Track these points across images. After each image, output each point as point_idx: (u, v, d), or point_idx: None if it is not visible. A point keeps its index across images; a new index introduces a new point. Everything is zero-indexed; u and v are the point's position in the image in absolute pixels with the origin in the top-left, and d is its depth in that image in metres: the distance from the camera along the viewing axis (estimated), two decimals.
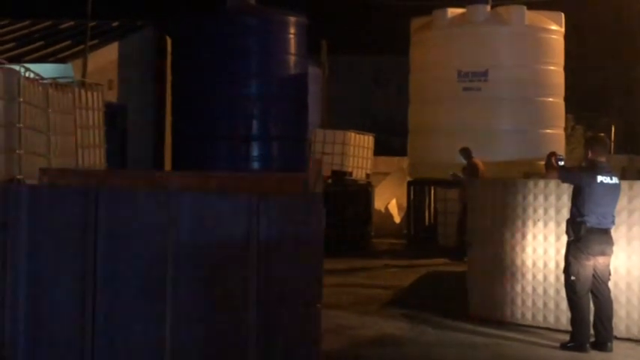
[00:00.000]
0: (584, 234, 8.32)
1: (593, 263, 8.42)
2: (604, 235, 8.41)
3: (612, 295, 8.65)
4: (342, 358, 8.14)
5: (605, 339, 8.47)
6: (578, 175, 8.64)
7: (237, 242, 5.79)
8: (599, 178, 8.34)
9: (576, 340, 8.48)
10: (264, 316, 5.75)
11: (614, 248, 8.56)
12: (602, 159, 8.57)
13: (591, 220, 8.31)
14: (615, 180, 8.46)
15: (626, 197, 8.83)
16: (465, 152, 15.44)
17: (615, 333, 8.72)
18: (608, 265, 8.54)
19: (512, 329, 9.32)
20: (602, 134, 9.08)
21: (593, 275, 8.46)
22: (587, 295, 8.48)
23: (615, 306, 8.71)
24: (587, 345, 8.41)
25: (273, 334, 5.74)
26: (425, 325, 9.54)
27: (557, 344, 8.65)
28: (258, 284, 5.76)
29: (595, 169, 8.44)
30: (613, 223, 8.46)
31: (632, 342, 8.77)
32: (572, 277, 8.44)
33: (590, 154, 8.60)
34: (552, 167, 8.90)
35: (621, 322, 8.87)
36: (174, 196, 5.97)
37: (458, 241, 14.91)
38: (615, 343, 8.59)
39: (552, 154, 10.28)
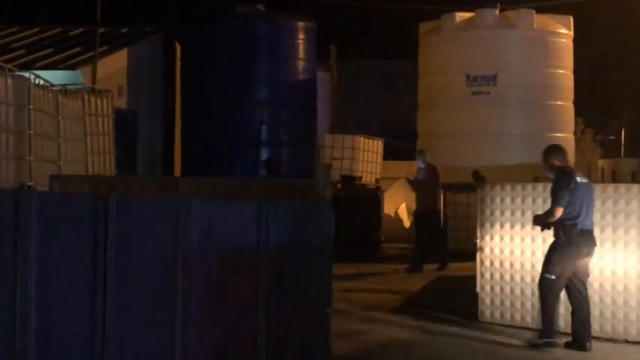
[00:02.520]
0: (576, 236, 8.42)
1: (577, 264, 8.57)
2: (590, 236, 8.59)
3: (610, 297, 8.86)
4: None
5: (586, 339, 8.57)
6: (564, 188, 8.48)
7: (247, 248, 5.80)
8: (579, 180, 8.53)
9: (547, 335, 8.66)
10: (274, 322, 5.75)
11: (612, 251, 8.80)
12: (565, 163, 8.82)
13: (581, 222, 8.45)
14: (586, 180, 8.69)
15: (623, 200, 8.90)
16: (422, 155, 15.26)
17: (613, 335, 8.87)
18: (588, 265, 8.72)
19: (522, 333, 9.30)
20: (557, 144, 9.26)
21: (576, 276, 8.59)
22: (559, 295, 8.68)
23: (612, 308, 8.90)
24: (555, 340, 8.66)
25: (283, 339, 5.75)
26: (435, 330, 9.52)
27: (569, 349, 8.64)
28: (268, 289, 5.76)
29: (572, 172, 8.63)
30: (593, 223, 8.65)
31: (629, 344, 8.79)
32: (553, 277, 8.52)
33: (555, 162, 8.75)
34: (549, 215, 8.67)
35: (619, 324, 8.91)
36: (184, 202, 5.98)
37: (416, 251, 14.78)
38: (613, 345, 8.67)
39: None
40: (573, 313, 8.68)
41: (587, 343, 8.56)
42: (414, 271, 14.28)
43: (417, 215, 14.62)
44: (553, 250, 8.62)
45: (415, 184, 15.15)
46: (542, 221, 8.70)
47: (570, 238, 8.41)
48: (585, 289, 8.72)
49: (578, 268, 8.60)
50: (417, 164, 15.21)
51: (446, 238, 16.37)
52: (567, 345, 8.65)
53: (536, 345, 8.70)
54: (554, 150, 9.01)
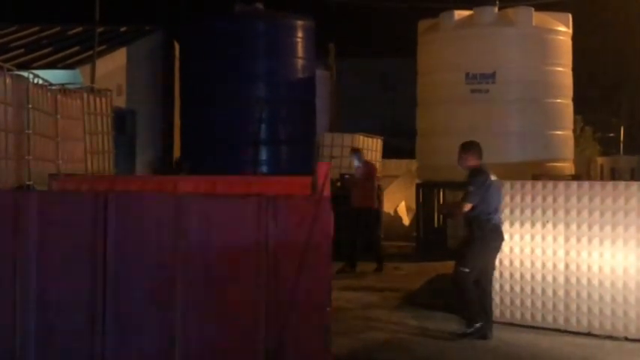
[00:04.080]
0: (489, 231, 8.87)
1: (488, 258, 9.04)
2: (500, 231, 9.08)
3: (609, 294, 8.95)
4: None
5: (489, 328, 8.98)
6: (478, 187, 8.89)
7: (246, 246, 5.81)
8: (492, 177, 9.00)
9: (474, 321, 8.92)
10: (274, 319, 5.76)
11: (611, 249, 8.91)
12: (481, 161, 9.14)
13: (495, 218, 8.94)
14: (496, 177, 9.14)
15: (623, 197, 8.92)
16: (357, 153, 15.19)
17: (612, 332, 8.92)
18: (495, 260, 9.24)
19: (522, 331, 9.32)
20: (475, 141, 9.38)
21: (484, 270, 9.03)
22: (473, 287, 8.97)
23: (612, 305, 8.94)
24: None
25: (284, 337, 5.75)
26: (435, 328, 9.52)
27: (569, 346, 8.66)
28: (268, 287, 5.77)
29: (485, 170, 9.01)
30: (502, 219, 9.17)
31: (629, 341, 8.82)
32: (467, 270, 8.86)
33: (470, 158, 9.11)
34: (457, 207, 9.21)
35: (619, 322, 8.93)
36: (183, 200, 5.98)
37: (352, 250, 14.54)
38: (613, 343, 8.73)
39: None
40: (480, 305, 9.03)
41: (489, 333, 8.93)
42: (344, 271, 13.96)
43: (351, 213, 14.40)
44: (468, 244, 9.00)
45: (351, 182, 15.06)
46: (447, 210, 9.17)
47: (484, 232, 8.85)
48: (490, 284, 9.19)
49: (487, 262, 9.04)
50: (353, 163, 15.13)
51: (445, 236, 16.30)
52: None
53: (468, 334, 8.89)
54: (471, 146, 9.25)
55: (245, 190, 7.63)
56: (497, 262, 9.72)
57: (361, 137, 21.29)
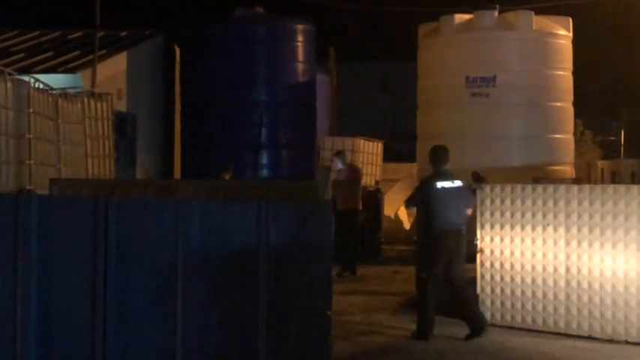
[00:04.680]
0: (436, 237, 9.05)
1: (446, 262, 9.08)
2: (455, 235, 9.12)
3: (610, 298, 8.92)
4: None
5: (483, 328, 9.13)
6: (416, 194, 9.44)
7: (247, 249, 5.81)
8: (439, 184, 9.17)
9: (422, 337, 9.08)
10: (275, 323, 5.76)
11: (612, 252, 8.88)
12: (444, 168, 9.33)
13: (440, 223, 9.05)
14: (457, 183, 9.27)
15: (623, 201, 8.92)
16: (340, 155, 15.11)
17: (613, 336, 8.91)
18: (464, 262, 9.29)
19: (523, 334, 9.31)
20: (443, 145, 9.67)
21: (452, 275, 9.13)
22: (435, 292, 9.12)
23: (613, 309, 8.93)
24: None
25: (284, 341, 5.75)
26: (435, 332, 9.51)
27: (570, 349, 8.66)
28: (268, 291, 5.77)
29: (433, 177, 9.28)
30: (465, 223, 9.26)
31: (630, 345, 8.80)
32: (424, 275, 9.18)
33: (433, 166, 9.40)
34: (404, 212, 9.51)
35: (620, 325, 8.92)
36: (184, 204, 5.99)
37: (353, 255, 14.46)
38: (614, 346, 8.73)
39: None
40: (459, 308, 9.25)
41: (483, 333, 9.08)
42: (341, 275, 13.88)
43: (336, 217, 14.20)
44: (422, 250, 9.38)
45: (334, 185, 14.94)
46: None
47: (430, 237, 9.09)
48: (468, 285, 9.32)
49: (450, 268, 9.12)
50: (336, 165, 15.04)
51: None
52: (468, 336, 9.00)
53: (413, 337, 9.11)
54: (431, 154, 9.52)
55: (246, 195, 7.63)
56: (497, 266, 9.72)
57: (362, 141, 21.29)
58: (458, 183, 9.30)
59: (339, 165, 14.85)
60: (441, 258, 9.10)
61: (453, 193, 9.20)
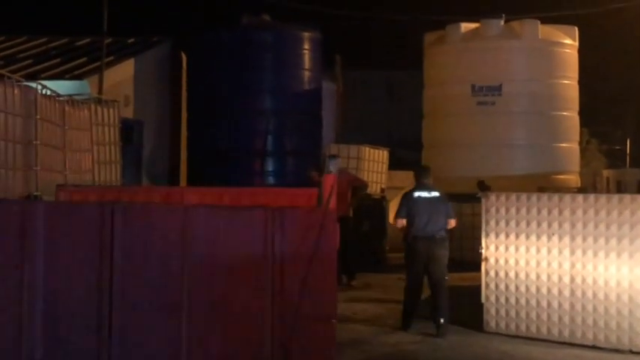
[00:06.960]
0: (412, 241, 9.83)
1: (422, 264, 9.81)
2: (428, 240, 9.79)
3: (614, 308, 8.95)
4: None
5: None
6: (400, 206, 10.11)
7: (252, 257, 5.83)
8: (416, 194, 9.98)
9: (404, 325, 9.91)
10: (279, 331, 5.77)
11: (617, 262, 8.92)
12: (425, 181, 10.17)
13: (413, 230, 9.83)
14: (434, 194, 10.02)
15: (629, 210, 8.93)
16: (332, 159, 14.92)
17: (618, 345, 8.92)
18: (443, 267, 9.86)
19: (528, 343, 9.31)
20: (427, 165, 10.83)
21: (433, 279, 9.84)
22: (415, 292, 9.99)
23: (617, 319, 8.96)
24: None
25: (288, 348, 5.76)
26: (440, 340, 9.53)
27: (574, 359, 8.65)
28: (273, 298, 5.79)
29: (414, 189, 10.12)
30: (440, 230, 9.87)
31: (634, 354, 8.81)
32: (404, 281, 10.10)
33: (416, 180, 10.25)
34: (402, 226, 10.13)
35: (624, 335, 8.92)
36: (190, 211, 6.02)
37: (353, 263, 14.43)
38: (619, 356, 8.76)
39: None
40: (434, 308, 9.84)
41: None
42: (340, 283, 13.81)
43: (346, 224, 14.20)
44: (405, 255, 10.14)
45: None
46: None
47: (407, 241, 9.94)
48: (440, 296, 9.81)
49: (430, 272, 9.85)
50: (328, 169, 14.87)
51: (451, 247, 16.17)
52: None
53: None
54: (415, 171, 10.49)
55: (251, 202, 7.67)
56: (502, 274, 9.72)
57: (367, 149, 21.24)
58: (435, 194, 10.03)
59: (331, 169, 14.71)
60: (414, 262, 9.91)
61: (427, 202, 9.94)
